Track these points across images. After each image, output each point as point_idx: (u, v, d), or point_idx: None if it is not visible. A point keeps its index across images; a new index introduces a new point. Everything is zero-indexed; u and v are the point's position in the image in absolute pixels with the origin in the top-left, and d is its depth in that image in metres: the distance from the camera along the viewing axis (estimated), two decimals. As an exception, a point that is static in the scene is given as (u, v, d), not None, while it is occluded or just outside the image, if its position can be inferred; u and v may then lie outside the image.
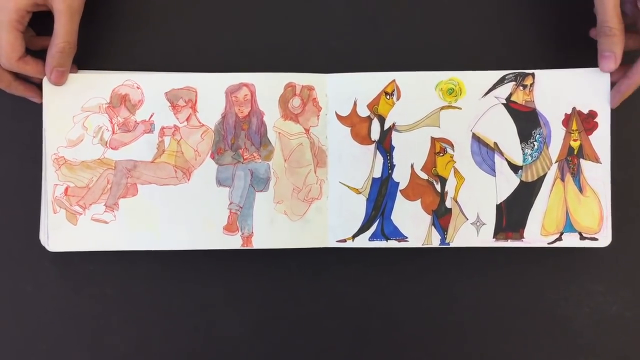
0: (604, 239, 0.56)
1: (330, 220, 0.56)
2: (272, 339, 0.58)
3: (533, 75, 0.56)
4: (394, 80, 0.56)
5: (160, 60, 0.58)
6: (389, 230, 0.56)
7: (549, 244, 0.56)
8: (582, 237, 0.56)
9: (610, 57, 0.53)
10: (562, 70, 0.56)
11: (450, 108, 0.56)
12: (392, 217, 0.56)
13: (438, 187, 0.56)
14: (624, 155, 0.57)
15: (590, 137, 0.56)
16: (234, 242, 0.56)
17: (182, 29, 0.58)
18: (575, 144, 0.56)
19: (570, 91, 0.56)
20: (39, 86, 0.55)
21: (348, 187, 0.56)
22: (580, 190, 0.56)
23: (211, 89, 0.56)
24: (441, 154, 0.56)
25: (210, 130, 0.56)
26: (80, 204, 0.55)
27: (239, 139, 0.56)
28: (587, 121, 0.56)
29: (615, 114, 0.56)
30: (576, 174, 0.56)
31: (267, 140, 0.56)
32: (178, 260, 0.57)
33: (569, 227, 0.56)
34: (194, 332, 0.58)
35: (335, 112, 0.56)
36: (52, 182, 0.55)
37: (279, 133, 0.56)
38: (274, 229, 0.56)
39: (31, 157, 0.56)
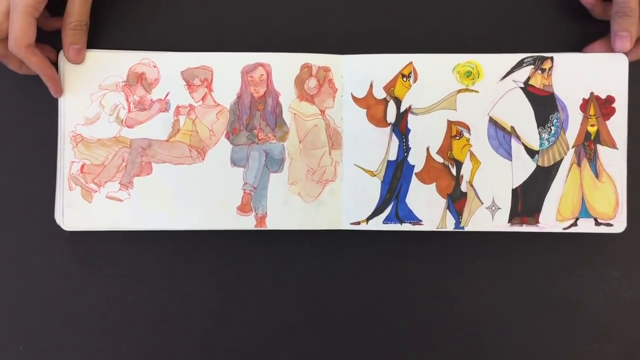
0: (619, 224, 0.55)
1: (345, 203, 0.56)
2: (285, 320, 0.58)
3: (552, 59, 0.55)
4: (411, 63, 0.56)
5: (177, 39, 0.58)
6: (403, 214, 0.56)
7: (564, 229, 0.56)
8: (597, 223, 0.56)
9: (627, 37, 0.53)
10: (581, 54, 0.56)
11: (467, 91, 0.56)
12: (406, 200, 0.56)
13: (454, 170, 0.56)
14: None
15: (607, 122, 0.55)
16: (247, 223, 0.56)
17: (198, 8, 0.58)
18: (592, 129, 0.55)
19: (588, 76, 0.55)
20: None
21: (363, 169, 0.56)
22: (597, 175, 0.55)
23: (227, 69, 0.56)
24: (457, 138, 0.56)
25: (226, 110, 0.56)
26: (96, 181, 0.55)
27: (254, 119, 0.56)
28: (604, 106, 0.55)
29: (633, 99, 0.55)
30: (592, 159, 0.55)
31: (282, 121, 0.56)
32: (191, 240, 0.57)
33: (585, 212, 0.56)
34: (207, 312, 0.58)
35: (351, 94, 0.56)
36: (69, 159, 0.55)
37: (295, 114, 0.56)
38: (288, 210, 0.56)
39: (46, 135, 0.56)
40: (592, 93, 0.55)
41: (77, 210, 0.55)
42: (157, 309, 0.58)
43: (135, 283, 0.58)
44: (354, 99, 0.56)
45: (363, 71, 0.56)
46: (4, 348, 0.57)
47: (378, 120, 0.56)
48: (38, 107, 0.57)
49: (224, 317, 0.58)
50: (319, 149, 0.56)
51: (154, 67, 0.56)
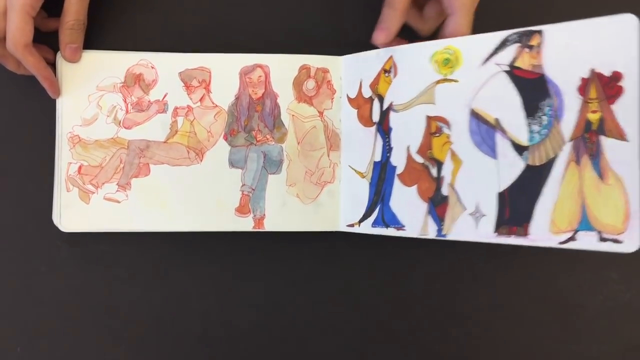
0: (631, 241, 0.42)
1: (342, 204, 0.56)
2: (283, 321, 0.58)
3: (541, 32, 0.45)
4: (391, 57, 0.52)
5: (175, 40, 0.58)
6: (388, 218, 0.52)
7: (560, 243, 0.45)
8: (601, 238, 0.43)
9: (385, 32, 0.51)
10: (577, 22, 0.44)
11: (446, 81, 0.49)
12: (390, 204, 0.52)
13: (434, 171, 0.50)
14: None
15: (613, 106, 0.43)
16: (245, 224, 0.56)
17: (196, 9, 0.58)
18: (594, 117, 0.44)
19: (587, 48, 0.43)
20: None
21: (355, 170, 0.55)
22: (600, 176, 0.43)
23: (225, 70, 0.56)
24: (437, 135, 0.49)
25: (224, 111, 0.56)
26: (93, 182, 0.55)
27: (253, 121, 0.56)
28: (609, 86, 0.43)
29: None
30: (595, 155, 0.44)
31: (280, 123, 0.56)
32: (189, 242, 0.57)
33: (585, 224, 0.44)
34: (205, 313, 0.58)
35: (347, 95, 0.55)
36: (66, 160, 0.55)
37: (293, 115, 0.56)
38: (286, 212, 0.56)
39: (44, 136, 0.56)
40: (592, 70, 0.43)
41: (74, 212, 0.55)
42: (155, 310, 0.58)
43: (133, 284, 0.58)
44: (348, 99, 0.55)
45: (355, 70, 0.55)
46: (1, 349, 0.57)
47: (366, 120, 0.54)
48: (35, 108, 0.57)
49: (222, 318, 0.58)
50: (317, 151, 0.56)
51: (152, 68, 0.56)
